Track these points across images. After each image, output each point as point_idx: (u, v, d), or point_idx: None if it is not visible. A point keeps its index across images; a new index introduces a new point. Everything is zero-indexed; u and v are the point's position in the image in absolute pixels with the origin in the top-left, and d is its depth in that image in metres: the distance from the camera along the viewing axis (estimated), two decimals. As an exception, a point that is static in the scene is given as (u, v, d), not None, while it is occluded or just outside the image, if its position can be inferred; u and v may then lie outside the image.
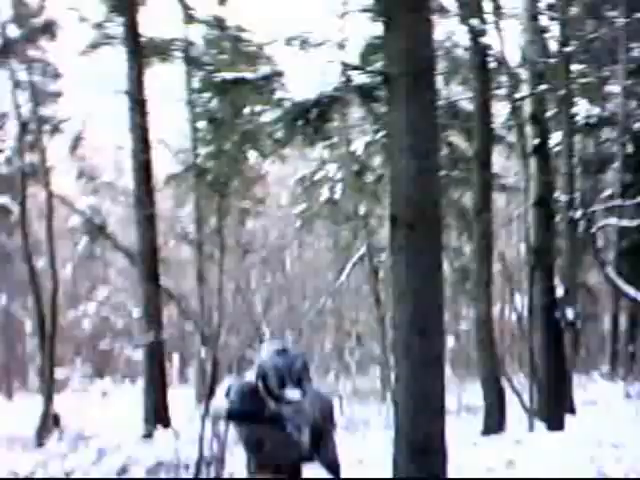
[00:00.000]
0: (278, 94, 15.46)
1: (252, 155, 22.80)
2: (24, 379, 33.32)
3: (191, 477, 10.99)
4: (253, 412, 5.45)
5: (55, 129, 27.95)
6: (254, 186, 25.73)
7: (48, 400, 17.05)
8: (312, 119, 13.69)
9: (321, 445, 5.57)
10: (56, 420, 17.02)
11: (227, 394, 5.55)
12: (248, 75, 15.66)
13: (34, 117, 19.48)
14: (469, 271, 16.39)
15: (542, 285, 12.44)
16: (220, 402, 5.56)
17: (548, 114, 13.69)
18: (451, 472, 6.98)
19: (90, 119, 29.43)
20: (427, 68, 6.40)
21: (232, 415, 5.70)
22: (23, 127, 20.04)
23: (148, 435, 14.12)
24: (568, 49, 13.81)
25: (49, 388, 17.44)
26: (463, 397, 19.02)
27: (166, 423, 14.85)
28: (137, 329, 18.62)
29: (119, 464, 12.01)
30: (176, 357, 28.43)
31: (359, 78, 13.44)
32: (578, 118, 16.51)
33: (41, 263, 20.84)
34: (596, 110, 17.08)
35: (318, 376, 21.05)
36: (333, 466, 5.63)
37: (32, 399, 21.34)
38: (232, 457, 10.52)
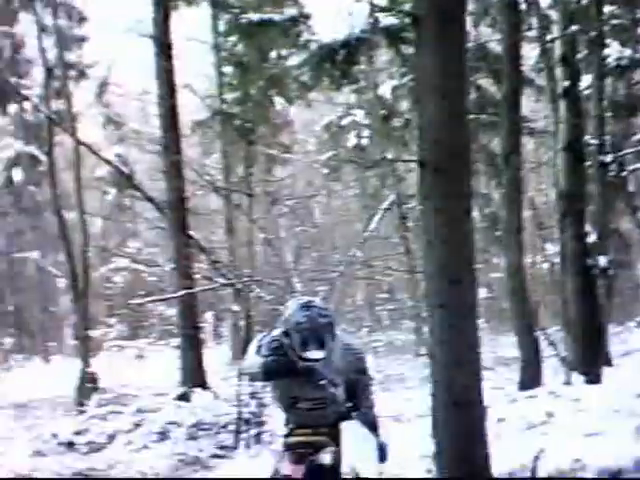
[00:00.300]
0: (305, 37, 15.26)
1: (278, 101, 22.65)
2: (60, 341, 33.52)
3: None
4: (287, 368, 5.36)
5: (81, 75, 27.99)
6: (281, 133, 25.63)
7: (85, 362, 17.19)
8: (339, 61, 13.53)
9: (357, 402, 5.59)
10: (94, 381, 17.20)
11: (258, 351, 5.50)
12: (275, 17, 15.46)
13: (60, 62, 19.42)
14: (499, 218, 16.19)
15: (573, 232, 12.26)
16: (252, 359, 5.49)
17: (579, 56, 13.41)
18: (491, 426, 6.97)
19: (117, 64, 29.42)
20: (457, 8, 6.28)
21: (266, 372, 5.62)
22: (49, 73, 20.01)
23: (185, 396, 14.16)
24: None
25: (85, 349, 17.57)
26: (498, 349, 18.94)
27: (202, 383, 14.90)
28: (169, 283, 18.62)
29: (159, 426, 12.10)
30: (209, 315, 28.46)
31: (387, 19, 13.25)
32: (609, 60, 16.17)
33: (72, 216, 20.82)
34: (628, 52, 16.71)
35: (352, 330, 21.06)
36: (371, 423, 5.58)
37: (69, 362, 21.56)
38: (271, 417, 10.66)
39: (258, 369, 5.39)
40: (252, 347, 5.55)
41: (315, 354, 5.17)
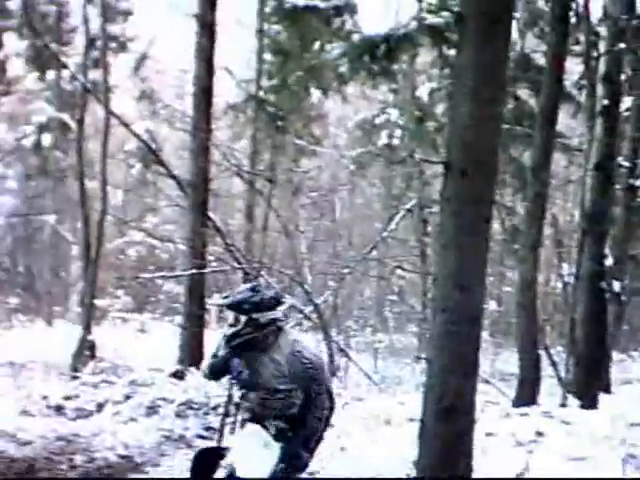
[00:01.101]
0: (348, 28, 15.17)
1: (315, 93, 22.55)
2: (66, 307, 33.55)
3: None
4: (220, 369, 5.72)
5: (122, 47, 28.04)
6: (313, 124, 25.51)
7: (86, 328, 17.17)
8: (379, 56, 13.42)
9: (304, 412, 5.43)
10: (92, 349, 17.18)
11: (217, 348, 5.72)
12: (320, 4, 15.37)
13: (102, 33, 19.39)
14: (519, 232, 16.03)
15: (592, 252, 12.11)
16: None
17: (622, 77, 13.22)
18: (479, 439, 6.87)
19: (157, 40, 29.42)
20: (504, 11, 6.15)
21: (206, 374, 5.93)
22: (90, 43, 20.01)
23: (180, 374, 14.13)
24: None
25: (88, 315, 17.55)
26: (499, 364, 18.86)
27: (199, 363, 14.82)
28: (181, 261, 18.60)
29: (149, 401, 12.13)
30: (217, 297, 28.44)
31: (433, 18, 13.14)
32: (653, 83, 15.97)
33: (94, 185, 20.86)
34: (673, 76, 16.50)
35: (357, 329, 21.03)
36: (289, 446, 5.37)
37: (71, 328, 21.55)
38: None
39: (204, 369, 5.57)
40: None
41: (220, 301, 5.49)
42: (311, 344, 5.84)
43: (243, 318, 5.35)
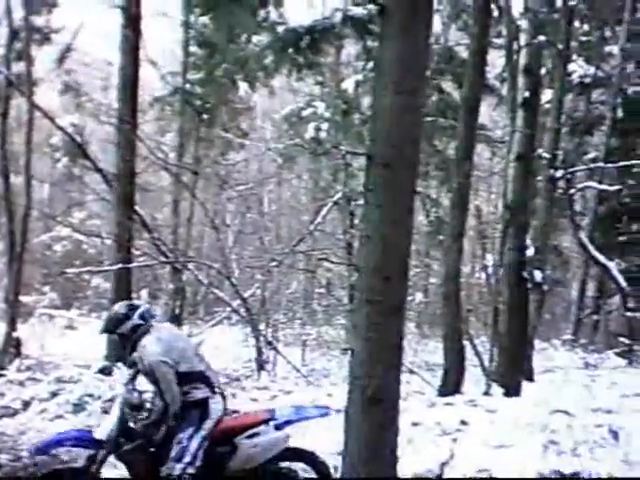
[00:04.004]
0: (273, 18, 15.09)
1: (242, 86, 22.50)
2: (-11, 304, 32.90)
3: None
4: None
5: (45, 39, 27.52)
6: (240, 117, 25.47)
7: (11, 325, 16.92)
8: (303, 48, 13.41)
9: None
10: (17, 347, 16.93)
11: None
12: (242, -9, 15.26)
13: (25, 25, 19.10)
14: (444, 223, 16.21)
15: (513, 242, 12.28)
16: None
17: (543, 70, 13.45)
18: (405, 429, 6.95)
19: (82, 32, 28.96)
20: (425, 2, 6.19)
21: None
22: (13, 34, 19.68)
23: (107, 370, 14.00)
24: (572, 2, 13.57)
25: (13, 311, 17.30)
26: (424, 354, 19.03)
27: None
28: (108, 256, 18.42)
29: (75, 397, 11.99)
30: (144, 293, 28.20)
31: (356, 10, 13.17)
32: (573, 77, 16.29)
33: (18, 180, 20.53)
34: (592, 70, 16.83)
35: (285, 322, 21.03)
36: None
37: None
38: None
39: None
40: None
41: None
42: (160, 336, 6.41)
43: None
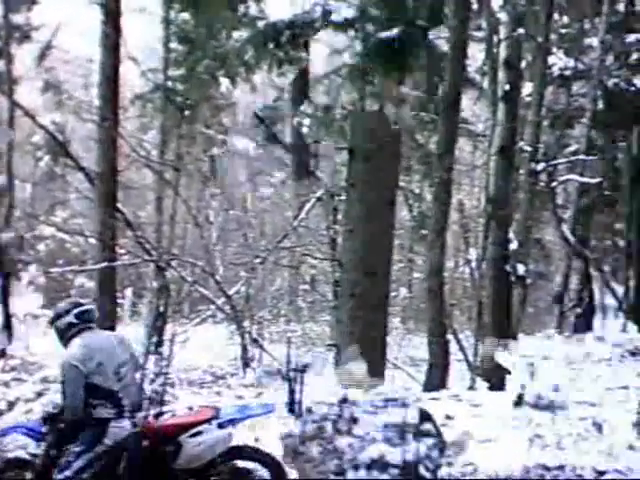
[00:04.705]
0: (253, 13, 14.99)
1: (223, 82, 22.45)
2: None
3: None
4: None
5: (25, 37, 27.35)
6: (222, 113, 25.40)
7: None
8: (283, 43, 13.36)
9: None
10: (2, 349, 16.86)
11: None
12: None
13: (5, 23, 18.98)
14: (427, 218, 16.20)
15: (496, 237, 12.30)
16: None
17: (523, 64, 13.46)
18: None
19: (62, 30, 28.79)
20: None
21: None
22: (-8, 33, 19.60)
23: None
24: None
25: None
26: (409, 350, 19.02)
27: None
28: (92, 255, 18.32)
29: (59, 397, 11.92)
30: (129, 291, 28.10)
31: (336, 4, 13.11)
32: (553, 69, 16.29)
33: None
34: (572, 63, 16.84)
35: (270, 319, 20.99)
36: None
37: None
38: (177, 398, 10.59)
39: None
40: None
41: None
42: (85, 343, 6.43)
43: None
